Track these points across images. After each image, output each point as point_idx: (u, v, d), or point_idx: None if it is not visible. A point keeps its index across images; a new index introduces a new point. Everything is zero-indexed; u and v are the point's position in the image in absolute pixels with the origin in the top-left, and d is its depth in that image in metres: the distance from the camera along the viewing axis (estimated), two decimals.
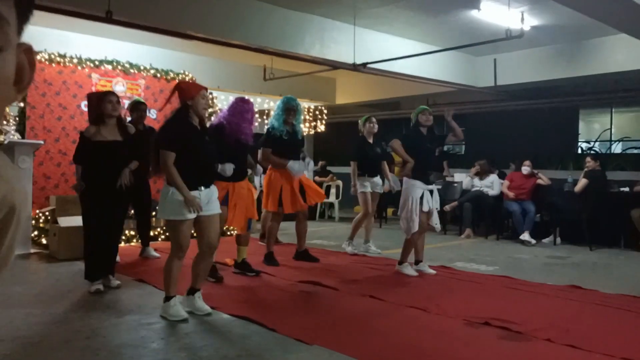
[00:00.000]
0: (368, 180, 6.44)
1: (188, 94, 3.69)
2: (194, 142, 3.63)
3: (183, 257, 3.67)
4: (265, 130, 6.31)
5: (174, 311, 3.62)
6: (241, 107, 4.71)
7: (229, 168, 4.52)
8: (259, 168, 5.46)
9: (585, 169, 7.58)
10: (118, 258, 5.58)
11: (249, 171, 5.15)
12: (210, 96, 8.79)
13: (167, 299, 3.67)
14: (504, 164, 9.59)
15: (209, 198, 3.70)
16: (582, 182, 7.38)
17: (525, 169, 7.98)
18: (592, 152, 10.86)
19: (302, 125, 5.91)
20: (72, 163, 4.49)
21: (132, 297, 4.26)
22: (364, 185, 6.42)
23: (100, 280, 4.35)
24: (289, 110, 5.54)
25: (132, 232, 6.62)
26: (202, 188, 3.65)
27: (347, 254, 6.37)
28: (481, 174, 8.58)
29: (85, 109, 7.33)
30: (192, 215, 3.59)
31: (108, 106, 4.30)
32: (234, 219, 4.83)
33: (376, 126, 6.56)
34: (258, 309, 3.91)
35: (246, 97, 4.93)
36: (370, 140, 6.52)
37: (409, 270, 5.22)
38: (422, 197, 5.14)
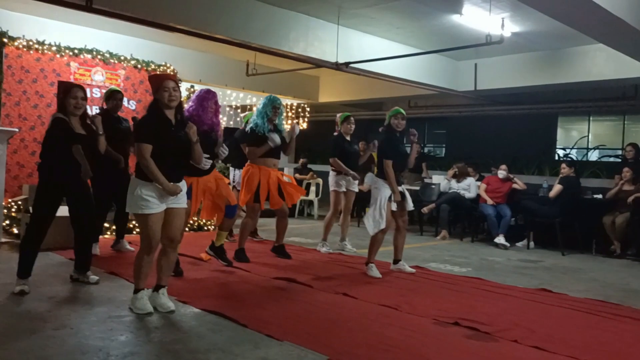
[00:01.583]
0: (344, 178, 6.47)
1: (153, 87, 3.67)
2: (164, 137, 3.57)
3: (152, 252, 3.64)
4: (243, 126, 6.35)
5: (140, 304, 3.61)
6: (202, 97, 4.65)
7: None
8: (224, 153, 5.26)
9: (561, 175, 7.70)
10: (98, 251, 5.53)
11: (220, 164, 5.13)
12: (192, 89, 8.76)
13: (136, 291, 3.67)
14: (483, 167, 9.71)
15: None
16: (557, 187, 7.50)
17: (501, 173, 8.08)
18: (568, 158, 11.04)
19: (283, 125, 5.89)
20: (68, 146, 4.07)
21: (103, 289, 4.22)
22: (338, 184, 6.44)
23: (27, 280, 4.05)
24: (275, 108, 5.55)
25: (107, 225, 6.55)
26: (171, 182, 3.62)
27: (331, 252, 6.39)
28: (459, 177, 8.67)
29: None
30: (158, 209, 3.56)
31: (71, 102, 4.08)
32: (203, 211, 4.83)
33: (353, 126, 6.57)
34: (230, 304, 3.91)
35: (209, 88, 4.83)
36: (348, 139, 6.54)
37: (374, 271, 5.21)
38: (390, 197, 5.16)
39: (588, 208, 7.56)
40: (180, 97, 3.73)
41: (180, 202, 3.71)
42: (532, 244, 7.72)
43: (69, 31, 7.82)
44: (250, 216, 5.73)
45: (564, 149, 12.18)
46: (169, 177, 3.58)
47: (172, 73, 8.24)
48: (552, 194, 7.55)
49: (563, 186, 7.45)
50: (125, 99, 7.74)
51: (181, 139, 3.66)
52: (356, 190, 6.64)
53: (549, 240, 7.61)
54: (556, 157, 11.73)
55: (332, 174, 6.55)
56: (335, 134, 6.61)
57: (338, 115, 6.74)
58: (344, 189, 6.49)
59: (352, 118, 6.61)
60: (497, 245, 7.55)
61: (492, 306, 4.25)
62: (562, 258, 6.97)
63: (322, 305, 4.03)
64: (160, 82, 3.61)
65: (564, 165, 7.79)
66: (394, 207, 5.18)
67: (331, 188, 6.54)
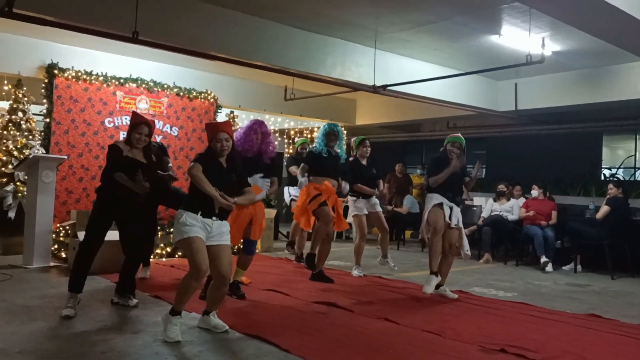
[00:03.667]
0: (362, 202, 6.41)
1: (208, 136, 3.87)
2: (216, 177, 3.69)
3: (200, 279, 3.65)
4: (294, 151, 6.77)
5: (172, 332, 3.60)
6: (248, 128, 4.87)
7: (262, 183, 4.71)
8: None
9: (608, 196, 7.47)
10: (148, 274, 5.67)
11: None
12: (231, 115, 8.95)
13: (174, 312, 3.67)
14: (525, 188, 9.49)
15: (220, 230, 3.75)
16: (604, 209, 7.27)
17: (534, 193, 7.95)
18: (615, 178, 10.68)
19: (343, 150, 6.12)
20: (110, 175, 4.33)
21: (147, 313, 4.30)
22: (358, 208, 6.39)
23: (77, 297, 4.25)
24: (329, 135, 5.86)
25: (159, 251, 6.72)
26: (215, 218, 3.71)
27: (362, 275, 6.34)
28: (508, 196, 8.51)
29: (109, 125, 7.51)
30: (200, 234, 3.63)
31: (135, 136, 4.38)
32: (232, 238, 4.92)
33: (369, 149, 6.58)
34: (272, 329, 3.91)
35: (259, 119, 5.03)
36: (364, 162, 6.52)
37: (429, 285, 5.14)
38: (438, 205, 5.24)
39: (638, 230, 7.28)
40: (232, 145, 3.88)
41: (224, 239, 3.78)
42: (579, 267, 7.46)
43: (115, 62, 8.13)
44: (324, 222, 5.79)
45: (609, 168, 11.80)
46: (214, 212, 3.69)
47: (212, 100, 8.46)
48: (599, 215, 7.32)
49: (611, 207, 7.22)
50: (167, 126, 8.00)
51: (230, 181, 3.81)
52: (379, 209, 6.55)
53: (597, 263, 7.35)
54: (602, 177, 11.37)
55: (350, 199, 6.52)
56: (351, 158, 6.59)
57: (353, 139, 6.75)
58: (366, 212, 6.44)
59: (367, 141, 6.61)
60: (543, 269, 7.31)
61: (540, 332, 4.11)
62: (612, 282, 6.71)
63: (363, 331, 3.99)
64: (215, 134, 3.81)
65: (611, 185, 7.55)
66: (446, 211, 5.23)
67: (352, 213, 6.50)
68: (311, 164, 5.89)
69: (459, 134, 5.47)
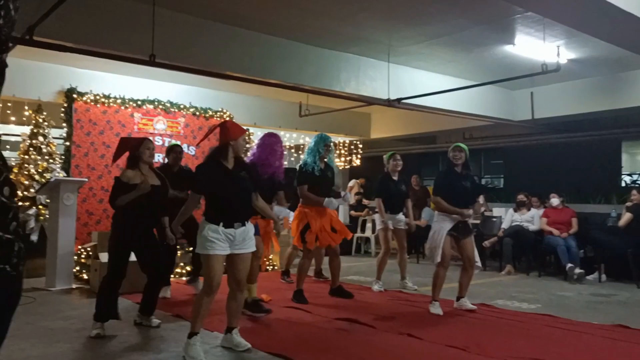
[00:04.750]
0: (390, 217, 6.37)
1: (232, 134, 3.77)
2: (225, 183, 3.69)
3: (213, 294, 3.66)
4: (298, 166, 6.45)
5: (193, 352, 3.58)
6: (269, 141, 4.85)
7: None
8: (285, 210, 5.41)
9: (629, 203, 7.35)
10: (169, 294, 5.70)
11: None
12: (247, 132, 9.00)
13: (190, 335, 3.64)
14: (544, 198, 9.39)
15: (244, 236, 3.72)
16: (627, 216, 7.16)
17: (554, 201, 7.84)
18: (636, 184, 10.53)
19: (335, 162, 5.97)
20: (113, 208, 4.38)
21: (170, 333, 4.31)
22: (384, 222, 6.35)
23: (100, 324, 4.25)
24: (327, 146, 5.63)
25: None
26: (237, 225, 3.68)
27: (383, 290, 6.30)
28: (529, 206, 8.42)
29: None
30: (221, 251, 3.63)
31: (146, 152, 4.42)
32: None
33: (400, 163, 6.50)
34: (294, 347, 3.89)
35: (274, 132, 5.04)
36: (395, 177, 6.47)
37: (435, 309, 5.10)
38: (450, 230, 5.12)
39: None
40: None
41: (247, 247, 3.77)
42: (603, 276, 7.32)
43: (132, 84, 8.26)
44: (306, 257, 5.71)
45: (630, 174, 11.64)
46: (234, 219, 3.67)
47: (228, 118, 8.54)
48: (621, 223, 7.20)
49: (633, 214, 7.10)
50: (185, 145, 8.07)
51: (240, 178, 3.77)
52: (403, 227, 6.50)
53: (621, 272, 7.21)
54: (623, 184, 11.20)
55: (377, 214, 6.49)
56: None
57: (384, 156, 6.70)
58: (391, 227, 6.40)
59: (397, 155, 6.54)
60: (566, 277, 7.19)
61: (567, 345, 4.03)
62: (637, 291, 6.58)
63: (386, 347, 3.95)
64: (242, 133, 3.85)
65: (634, 192, 7.43)
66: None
67: (378, 227, 6.46)
68: (304, 183, 5.55)
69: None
